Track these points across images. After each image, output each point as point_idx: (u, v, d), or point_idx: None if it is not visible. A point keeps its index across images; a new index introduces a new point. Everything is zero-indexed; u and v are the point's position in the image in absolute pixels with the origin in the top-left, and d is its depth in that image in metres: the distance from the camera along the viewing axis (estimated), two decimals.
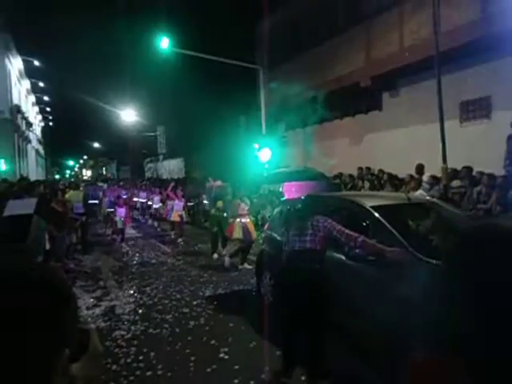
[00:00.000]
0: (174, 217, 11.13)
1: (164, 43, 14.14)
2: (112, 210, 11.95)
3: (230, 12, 22.08)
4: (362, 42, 12.34)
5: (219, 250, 8.96)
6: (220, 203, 8.83)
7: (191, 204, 14.63)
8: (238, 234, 7.72)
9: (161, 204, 13.55)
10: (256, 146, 14.29)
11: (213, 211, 9.09)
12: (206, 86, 23.02)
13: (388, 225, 3.83)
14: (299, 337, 3.53)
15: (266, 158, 13.98)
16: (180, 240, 11.11)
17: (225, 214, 8.68)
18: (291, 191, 10.37)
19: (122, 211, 11.20)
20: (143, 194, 16.06)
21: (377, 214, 3.98)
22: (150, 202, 15.09)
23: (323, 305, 3.51)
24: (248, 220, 8.02)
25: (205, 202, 13.09)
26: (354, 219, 4.33)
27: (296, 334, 3.54)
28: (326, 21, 14.23)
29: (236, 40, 19.37)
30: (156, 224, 14.24)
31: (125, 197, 14.48)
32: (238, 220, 7.84)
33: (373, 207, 4.11)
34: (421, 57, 9.55)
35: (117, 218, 11.14)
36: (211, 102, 20.85)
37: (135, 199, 16.33)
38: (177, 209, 11.13)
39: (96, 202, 14.08)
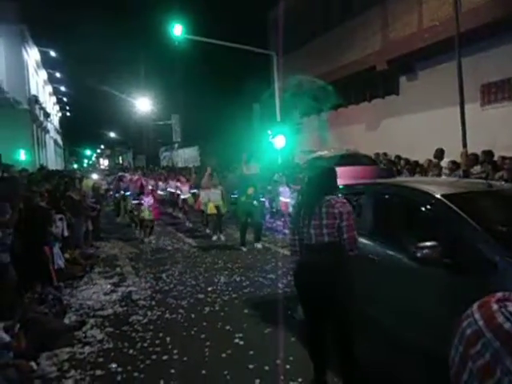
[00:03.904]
0: (211, 209, 9.63)
1: (177, 30, 14.06)
2: (137, 201, 10.29)
3: None
4: (378, 24, 12.01)
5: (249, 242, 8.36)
6: (251, 190, 8.20)
7: (235, 196, 13.52)
8: None
9: (189, 194, 12.21)
10: (269, 132, 14.17)
11: (243, 198, 8.36)
12: (219, 73, 22.91)
13: (469, 219, 2.97)
14: (323, 338, 3.13)
15: (280, 145, 13.89)
16: (209, 231, 10.25)
17: (255, 202, 8.25)
18: (347, 177, 9.18)
19: (148, 200, 9.70)
20: (172, 183, 13.90)
21: (452, 206, 3.13)
22: (178, 192, 13.11)
23: (345, 304, 2.98)
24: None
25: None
26: (416, 211, 3.59)
27: (318, 335, 3.14)
28: (340, 3, 13.89)
29: (249, 26, 19.15)
30: (186, 218, 12.32)
31: (150, 187, 12.76)
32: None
33: (445, 196, 3.27)
34: (440, 38, 9.23)
35: (143, 207, 9.63)
36: (225, 89, 20.75)
37: (160, 192, 14.33)
38: (214, 199, 9.60)
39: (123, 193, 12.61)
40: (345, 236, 2.91)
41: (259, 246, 8.25)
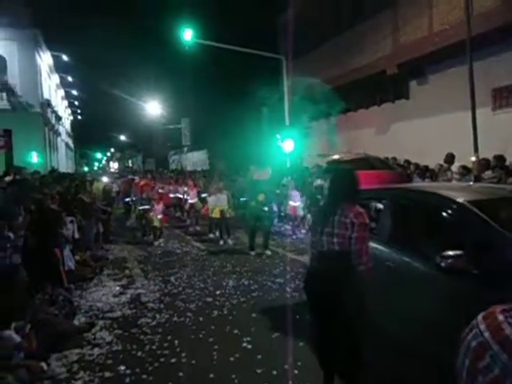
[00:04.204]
0: (215, 213, 9.62)
1: (188, 35, 14.19)
2: (147, 207, 10.17)
3: (253, 2, 21.88)
4: (388, 28, 11.97)
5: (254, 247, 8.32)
6: (262, 196, 8.15)
7: (244, 199, 12.32)
8: None
9: (197, 199, 12.15)
10: (278, 136, 14.18)
11: (253, 203, 8.32)
12: (228, 77, 23.02)
13: (497, 226, 2.80)
14: (332, 345, 3.04)
15: (289, 149, 13.89)
16: (212, 236, 10.27)
17: (265, 208, 8.26)
18: (370, 182, 8.74)
19: (159, 209, 9.75)
20: (179, 189, 13.89)
21: (479, 212, 2.93)
22: (185, 197, 13.08)
23: (352, 315, 2.81)
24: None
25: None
26: (438, 218, 3.41)
27: (327, 343, 3.05)
28: (350, 7, 13.88)
29: (259, 30, 19.20)
30: (193, 222, 12.28)
31: (161, 191, 13.01)
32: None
33: (471, 202, 3.07)
34: (451, 42, 9.17)
35: (152, 215, 9.66)
36: (234, 93, 20.83)
37: (171, 195, 14.19)
38: (220, 204, 9.59)
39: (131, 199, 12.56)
40: (353, 248, 2.75)
41: (268, 252, 8.21)
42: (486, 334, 0.83)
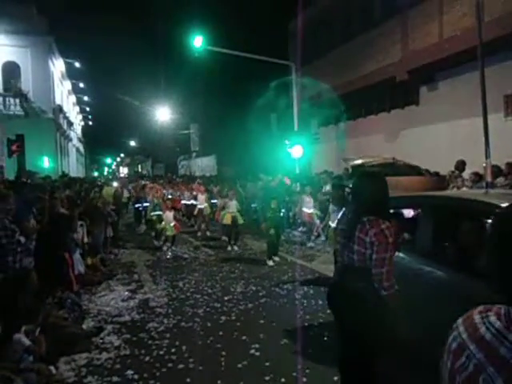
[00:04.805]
0: (227, 219, 9.48)
1: (198, 42, 14.32)
2: (159, 213, 10.09)
3: (263, 9, 22.04)
4: (398, 34, 11.96)
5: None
6: (274, 203, 8.03)
7: (254, 206, 12.20)
8: None
9: (206, 204, 11.97)
10: (286, 142, 14.17)
11: (269, 214, 8.08)
12: (238, 84, 23.16)
13: None
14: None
15: (298, 155, 13.87)
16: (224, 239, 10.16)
17: (281, 214, 8.20)
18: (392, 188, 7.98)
19: (170, 215, 9.57)
20: (188, 194, 13.82)
21: None
22: (194, 202, 12.94)
23: (363, 338, 2.48)
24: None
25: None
26: (480, 227, 3.15)
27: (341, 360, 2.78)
28: (360, 14, 13.91)
29: (269, 37, 19.34)
30: (203, 227, 11.99)
31: (170, 197, 12.91)
32: None
33: None
34: (462, 48, 9.12)
35: (165, 224, 9.47)
36: (243, 99, 20.93)
37: (183, 201, 14.11)
38: (231, 210, 9.48)
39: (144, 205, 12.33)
40: (373, 271, 2.42)
41: (277, 258, 8.14)
42: (464, 336, 0.86)
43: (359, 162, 8.88)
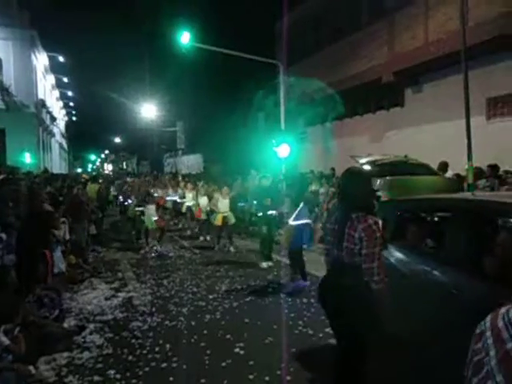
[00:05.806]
0: (218, 220, 9.16)
1: (185, 38, 14.17)
2: (141, 209, 9.75)
3: (251, 7, 22.00)
4: (384, 36, 12.09)
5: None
6: (268, 201, 7.83)
7: (242, 205, 12.09)
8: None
9: (194, 201, 11.67)
10: (273, 141, 14.14)
11: (261, 213, 7.97)
12: (224, 81, 23.07)
13: None
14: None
15: (284, 154, 13.87)
16: (203, 239, 10.42)
17: (274, 213, 7.90)
18: (403, 188, 7.11)
19: (152, 208, 9.33)
20: (174, 192, 13.75)
21: None
22: (181, 200, 12.83)
23: (354, 333, 2.54)
24: None
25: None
26: (495, 230, 2.88)
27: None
28: (348, 16, 14.00)
29: (256, 36, 19.31)
30: (190, 225, 12.08)
31: (156, 195, 12.41)
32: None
33: None
34: (446, 51, 9.28)
35: (146, 216, 9.24)
36: (230, 97, 20.87)
37: (168, 198, 13.90)
38: (222, 210, 9.20)
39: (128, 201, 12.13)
40: (363, 266, 2.47)
41: (270, 263, 7.72)
42: (487, 324, 1.02)
43: (369, 159, 8.21)
